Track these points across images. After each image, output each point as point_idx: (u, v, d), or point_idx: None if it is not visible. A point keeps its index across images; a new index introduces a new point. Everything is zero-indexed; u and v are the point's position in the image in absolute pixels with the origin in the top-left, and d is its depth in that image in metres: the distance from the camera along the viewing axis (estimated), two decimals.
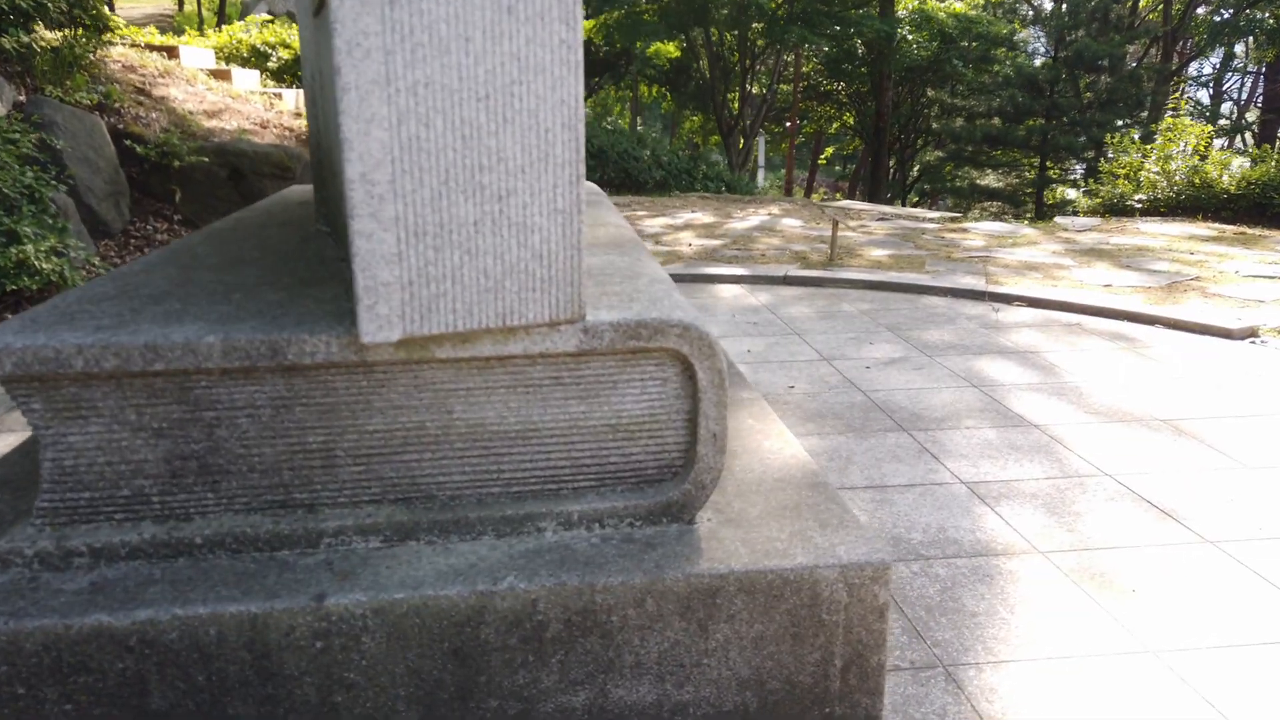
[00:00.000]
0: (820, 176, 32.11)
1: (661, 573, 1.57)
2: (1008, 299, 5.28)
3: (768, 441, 2.12)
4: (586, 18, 23.26)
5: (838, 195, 26.92)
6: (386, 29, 1.34)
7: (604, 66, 24.17)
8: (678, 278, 5.93)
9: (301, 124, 9.24)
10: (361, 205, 1.38)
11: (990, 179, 26.91)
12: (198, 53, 10.49)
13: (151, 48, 9.41)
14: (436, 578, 1.55)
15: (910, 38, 21.30)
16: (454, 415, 1.66)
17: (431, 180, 1.42)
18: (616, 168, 15.76)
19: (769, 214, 10.33)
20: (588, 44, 22.22)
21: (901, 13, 21.56)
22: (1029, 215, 22.13)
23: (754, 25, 19.79)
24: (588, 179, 15.27)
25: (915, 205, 25.53)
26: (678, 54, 23.10)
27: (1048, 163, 23.82)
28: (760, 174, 17.65)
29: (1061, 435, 3.24)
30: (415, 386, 1.63)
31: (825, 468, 2.94)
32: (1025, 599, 2.21)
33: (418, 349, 1.56)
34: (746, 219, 9.71)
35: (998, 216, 24.43)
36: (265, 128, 8.48)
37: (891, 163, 24.70)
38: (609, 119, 30.31)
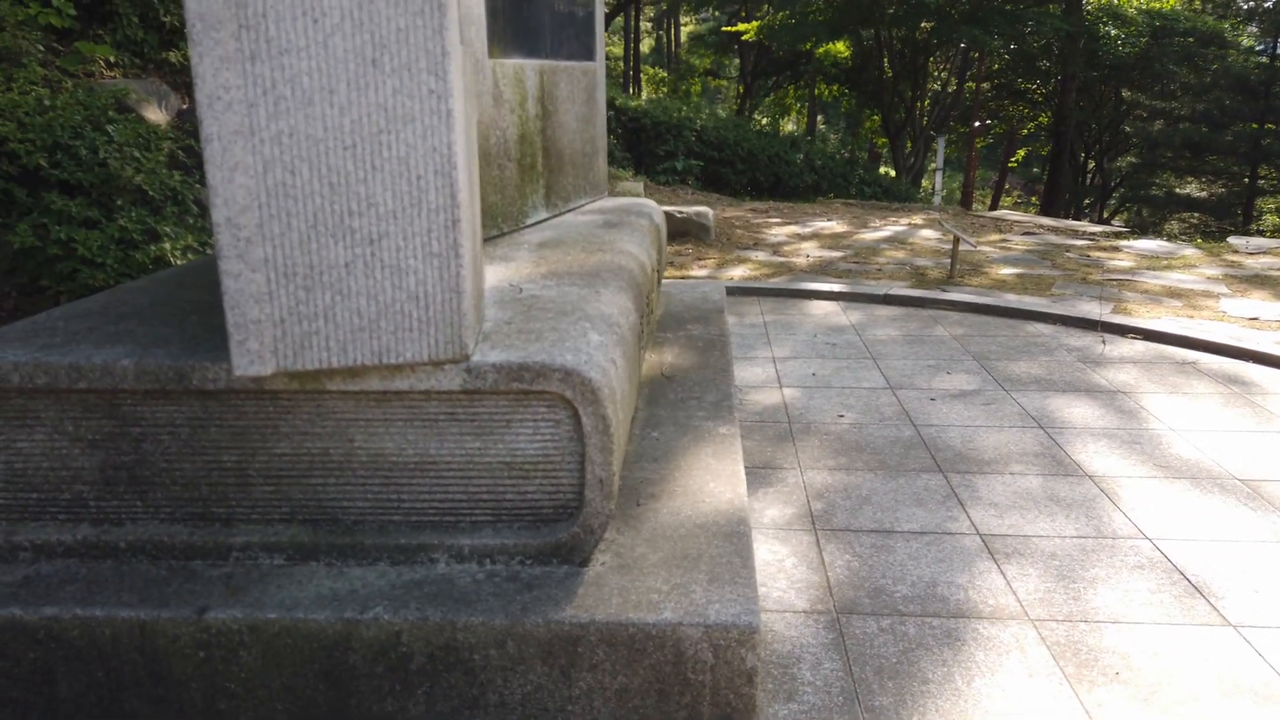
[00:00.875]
0: (1015, 178, 30.49)
1: (524, 616, 1.58)
2: (1121, 330, 4.87)
3: (713, 483, 2.07)
4: (746, 19, 23.13)
5: (1024, 204, 25.49)
6: (248, 83, 1.41)
7: (782, 65, 23.90)
8: (773, 293, 5.83)
9: None
10: (228, 248, 1.47)
11: (1192, 188, 24.80)
12: None
13: None
14: (313, 601, 1.62)
15: (1114, 33, 19.90)
16: (355, 444, 1.73)
17: (300, 224, 1.49)
18: (767, 171, 15.61)
19: (908, 224, 9.95)
20: (760, 44, 22.04)
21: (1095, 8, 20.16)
22: (1233, 229, 20.25)
23: (923, 24, 19.07)
24: (738, 181, 15.18)
25: (1109, 215, 23.83)
26: (848, 54, 22.56)
27: (1259, 171, 21.71)
28: (938, 177, 16.92)
29: (1114, 489, 2.97)
30: (318, 414, 1.71)
31: (836, 507, 2.83)
32: (989, 671, 2.05)
33: (310, 380, 1.63)
34: (881, 229, 9.40)
35: (1197, 229, 22.47)
36: None
37: (1089, 167, 23.16)
38: (787, 119, 29.95)
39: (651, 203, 3.75)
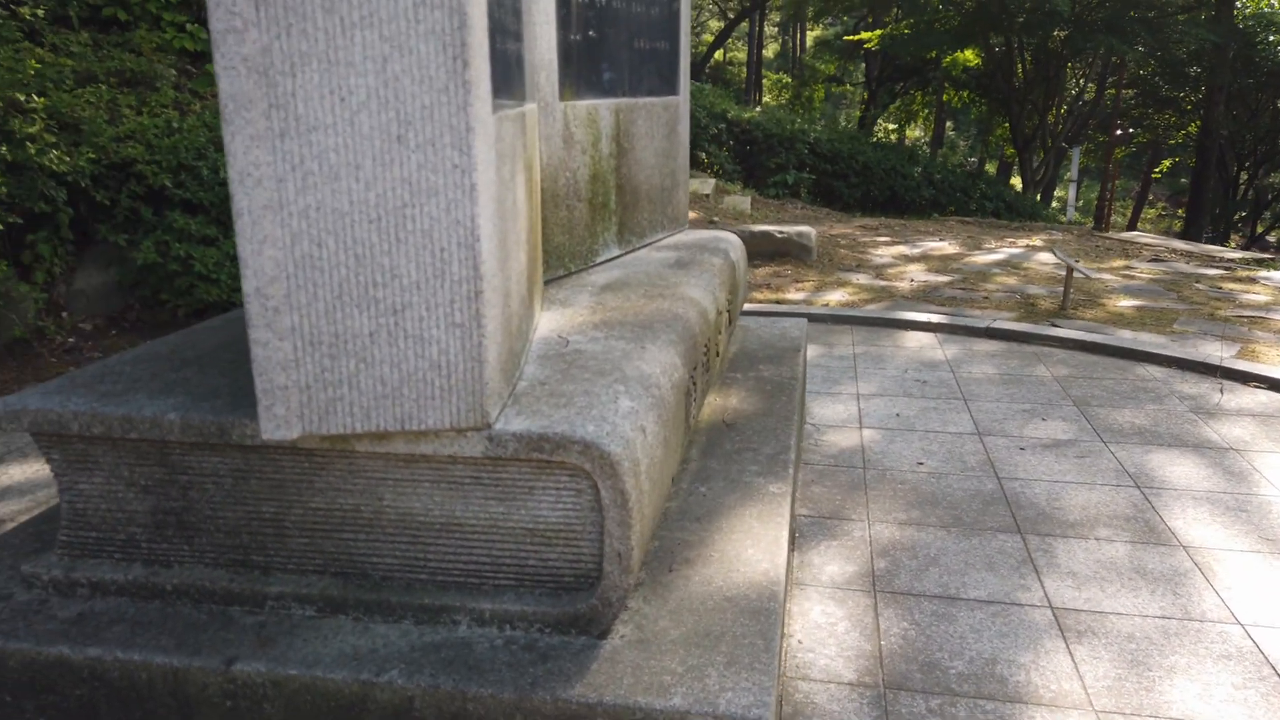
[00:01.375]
0: (1160, 189, 28.87)
1: (533, 691, 1.57)
2: (1244, 377, 4.53)
3: (752, 550, 2.02)
4: (870, 28, 22.63)
5: (1169, 217, 24.08)
6: (277, 159, 1.45)
7: (908, 71, 23.32)
8: (868, 321, 5.67)
9: None
10: (257, 317, 1.51)
11: None
12: None
13: None
14: (334, 659, 1.65)
15: (1272, 39, 18.62)
16: (384, 502, 1.76)
17: (326, 295, 1.52)
18: (882, 185, 15.25)
19: (1026, 246, 9.54)
20: (883, 53, 21.55)
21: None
22: None
23: (1057, 33, 18.25)
24: (852, 195, 14.89)
25: (1263, 231, 22.27)
26: (977, 61, 21.81)
27: None
28: (1072, 190, 16.14)
29: (1209, 563, 2.76)
30: (349, 472, 1.74)
31: (900, 567, 2.72)
32: None
33: (339, 441, 1.67)
34: (996, 251, 9.04)
35: None
36: None
37: (1241, 181, 21.70)
38: (914, 125, 29.17)
39: (731, 237, 3.70)
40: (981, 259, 8.53)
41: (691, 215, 8.68)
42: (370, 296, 1.53)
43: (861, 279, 7.38)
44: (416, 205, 1.49)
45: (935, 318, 5.64)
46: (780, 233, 7.92)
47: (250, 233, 1.47)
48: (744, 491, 2.32)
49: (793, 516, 2.69)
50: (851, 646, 2.35)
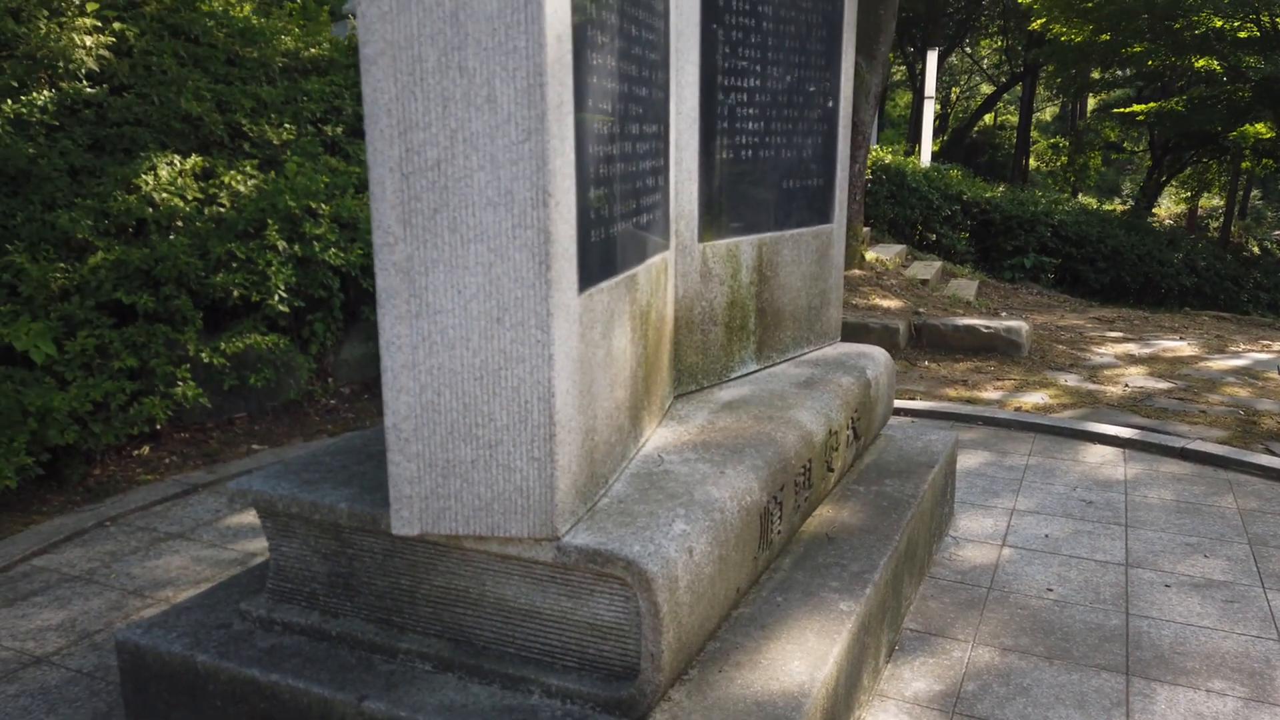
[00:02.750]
0: None
1: None
2: None
3: (798, 663, 2.31)
4: (1140, 100, 21.33)
5: None
6: (413, 333, 1.99)
7: (1200, 139, 21.73)
8: (1052, 430, 5.58)
9: None
10: (393, 445, 2.05)
11: None
12: None
13: None
14: (434, 708, 2.13)
15: None
16: (485, 587, 2.24)
17: (441, 431, 2.03)
18: (1135, 271, 14.39)
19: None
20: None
21: None
22: None
23: None
24: (1099, 281, 14.13)
25: None
26: (1270, 135, 19.95)
27: None
28: None
29: None
30: (462, 561, 2.24)
31: (987, 692, 2.83)
32: None
33: (452, 538, 2.17)
34: (1240, 356, 8.40)
35: None
36: None
37: None
38: (1209, 195, 26.93)
39: (876, 353, 3.95)
40: (1219, 364, 7.98)
41: (895, 304, 8.77)
42: (473, 434, 2.02)
43: (1070, 380, 7.18)
44: (508, 369, 1.98)
45: (1127, 432, 5.47)
46: (987, 327, 7.85)
47: (391, 384, 2.02)
48: (814, 605, 2.60)
49: (890, 630, 2.90)
50: None
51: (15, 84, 5.23)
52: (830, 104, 3.77)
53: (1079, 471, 4.92)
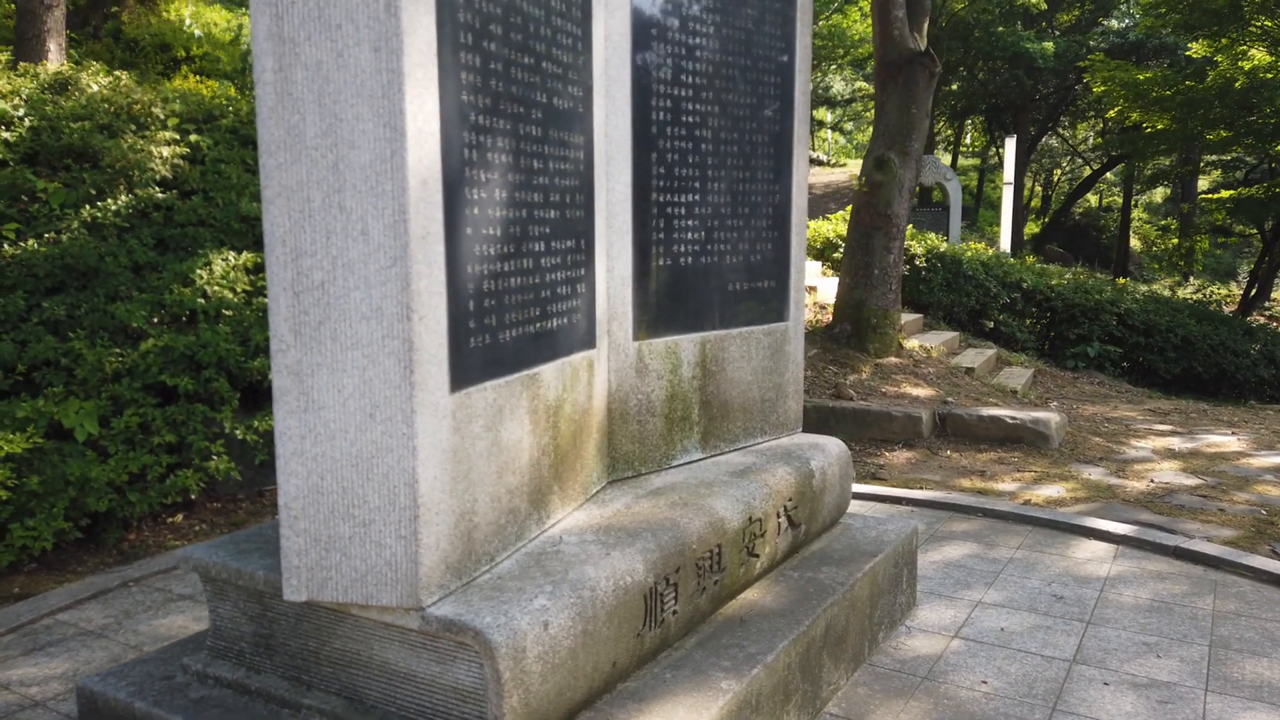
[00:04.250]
0: None
1: None
2: None
3: None
4: (1231, 186, 20.79)
5: None
6: (301, 425, 2.33)
7: None
8: (1051, 524, 5.56)
9: (818, 316, 10.47)
10: (284, 522, 2.38)
11: None
12: None
13: None
14: None
15: None
16: (374, 651, 2.52)
17: (324, 510, 2.36)
18: (1208, 362, 13.97)
19: None
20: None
21: None
22: None
23: None
24: (1169, 371, 13.75)
25: None
26: None
27: None
28: None
29: None
30: (355, 627, 2.54)
31: None
32: None
33: (341, 605, 2.47)
34: None
35: None
36: None
37: None
38: None
39: (828, 443, 4.13)
40: (1261, 461, 7.75)
41: (926, 393, 8.82)
42: (350, 514, 2.34)
43: (1093, 474, 7.10)
44: (379, 458, 2.30)
45: (1122, 528, 5.43)
46: (1013, 418, 7.84)
47: (283, 468, 2.36)
48: (698, 682, 2.79)
49: (801, 712, 3.04)
50: None
51: (94, 191, 5.95)
52: (779, 213, 4.06)
53: (1061, 567, 4.93)
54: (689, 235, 3.69)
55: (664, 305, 3.62)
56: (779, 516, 3.61)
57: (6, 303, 5.14)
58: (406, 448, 2.27)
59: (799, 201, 4.16)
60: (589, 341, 3.22)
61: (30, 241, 5.47)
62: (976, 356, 11.35)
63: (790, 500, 3.69)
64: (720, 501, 3.29)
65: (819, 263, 13.01)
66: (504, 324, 2.63)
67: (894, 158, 9.15)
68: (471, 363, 2.47)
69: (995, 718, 3.35)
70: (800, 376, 4.32)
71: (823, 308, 10.68)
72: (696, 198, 3.69)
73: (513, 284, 2.66)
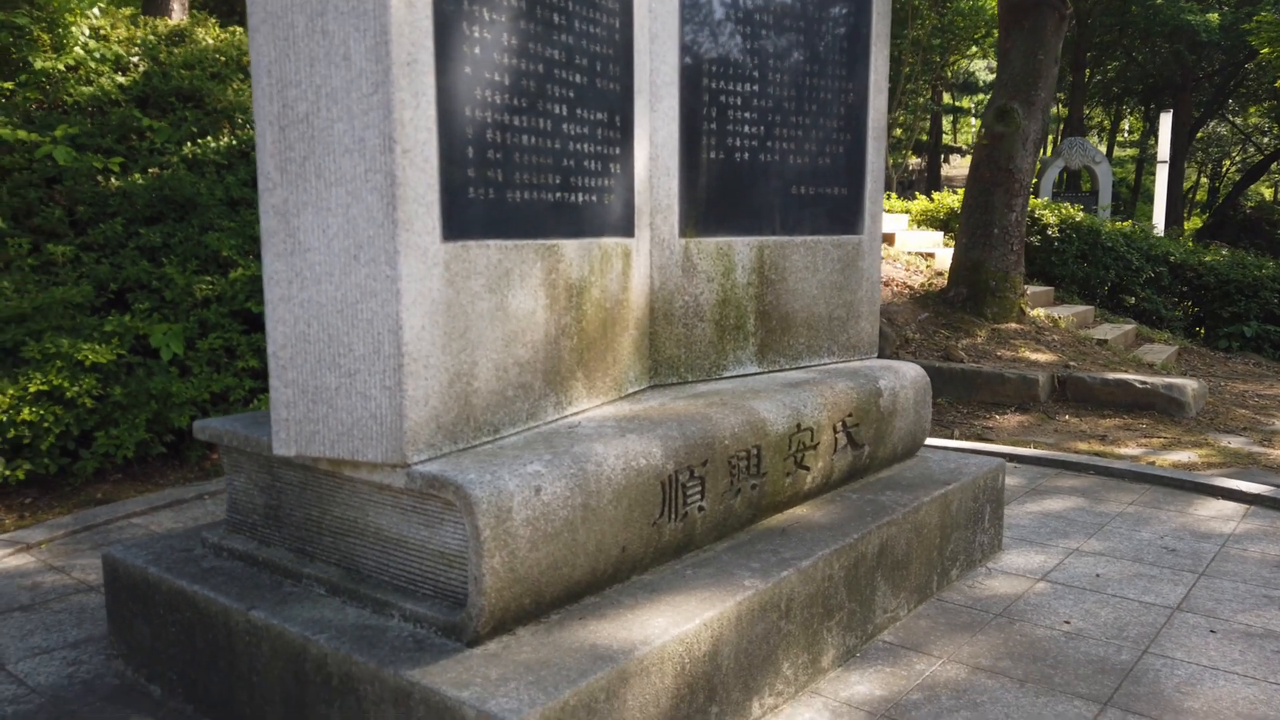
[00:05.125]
0: None
1: (382, 667, 2.07)
2: None
3: (660, 620, 2.30)
4: None
5: None
6: (288, 269, 2.24)
7: None
8: (1172, 483, 4.99)
9: (932, 280, 9.93)
10: (273, 372, 2.29)
11: None
12: (896, 218, 12.00)
13: None
14: (302, 621, 2.30)
15: None
16: (369, 517, 2.41)
17: (311, 359, 2.25)
18: None
19: None
20: None
21: None
22: None
23: None
24: None
25: None
26: None
27: None
28: None
29: None
30: (351, 494, 2.43)
31: (932, 703, 2.57)
32: None
33: (342, 466, 2.37)
34: None
35: None
36: (885, 285, 9.42)
37: None
38: None
39: (904, 367, 3.80)
40: None
41: (1046, 358, 8.18)
42: (336, 363, 2.23)
43: (1232, 443, 6.41)
44: (364, 303, 2.18)
45: (1257, 488, 4.82)
46: (1142, 383, 7.17)
47: (271, 314, 2.27)
48: (721, 580, 2.56)
49: (844, 631, 2.77)
50: None
51: (195, 130, 6.16)
52: (853, 114, 3.76)
53: (1178, 522, 4.41)
54: (745, 128, 3.44)
55: (716, 203, 3.39)
56: (836, 431, 3.32)
57: (107, 228, 5.36)
58: (390, 291, 2.14)
59: (877, 104, 3.84)
60: (624, 229, 3.02)
61: (135, 175, 5.70)
62: (1112, 330, 10.52)
63: (850, 416, 3.39)
64: (764, 404, 3.04)
65: (940, 233, 12.37)
66: (513, 183, 2.47)
67: (1017, 108, 8.54)
68: (471, 214, 2.32)
69: (1073, 656, 2.97)
70: (876, 298, 4.00)
71: (939, 274, 10.12)
72: (755, 87, 3.44)
73: (524, 142, 2.50)
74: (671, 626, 2.27)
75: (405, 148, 2.12)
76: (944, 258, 10.82)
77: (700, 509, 2.73)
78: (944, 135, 35.16)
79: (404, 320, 2.15)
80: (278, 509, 2.66)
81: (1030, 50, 8.53)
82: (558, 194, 2.66)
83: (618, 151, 2.96)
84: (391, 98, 2.08)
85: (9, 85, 5.71)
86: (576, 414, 2.80)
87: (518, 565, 2.17)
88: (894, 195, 15.22)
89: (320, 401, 2.27)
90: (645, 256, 3.19)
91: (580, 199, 2.76)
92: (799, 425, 3.12)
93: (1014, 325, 8.84)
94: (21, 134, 5.33)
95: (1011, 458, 5.54)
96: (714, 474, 2.77)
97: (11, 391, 4.24)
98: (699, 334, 3.39)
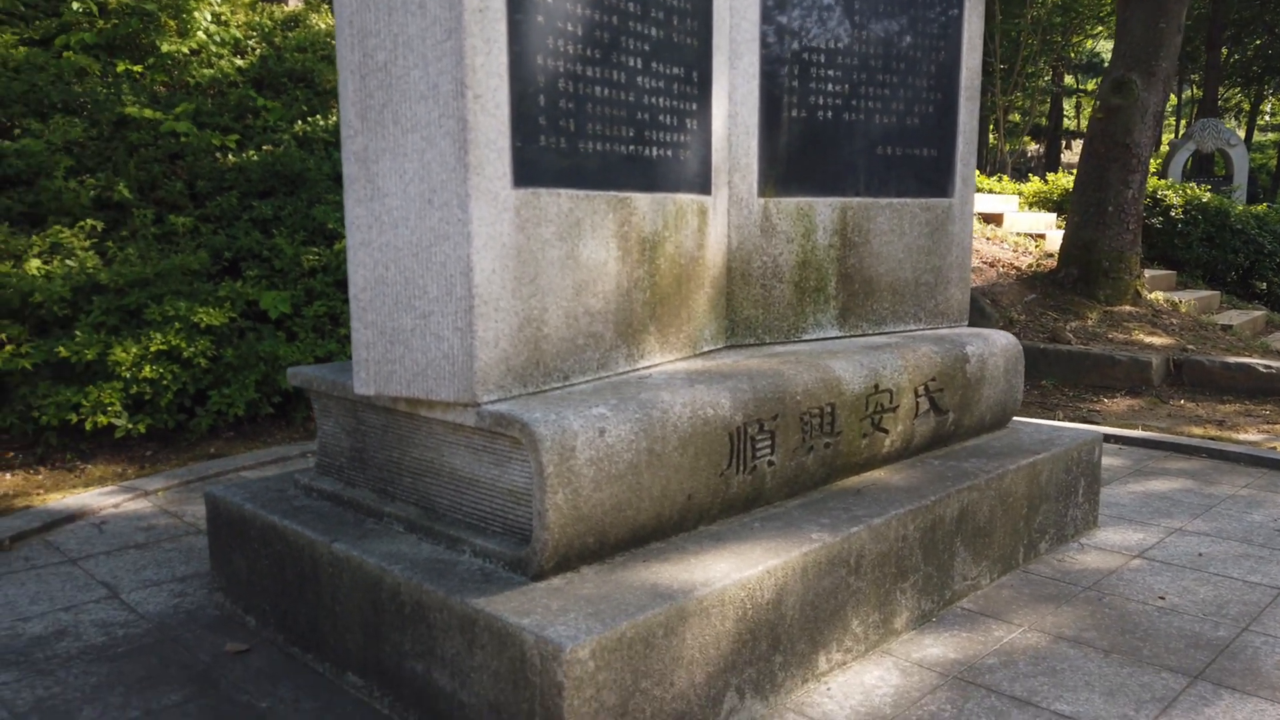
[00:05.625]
0: None
1: (450, 595, 2.14)
2: None
3: (722, 565, 2.31)
4: None
5: None
6: (368, 214, 2.33)
7: None
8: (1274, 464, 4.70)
9: (1041, 262, 9.56)
10: (354, 314, 2.39)
11: None
12: (1005, 199, 11.61)
13: None
14: (379, 554, 2.40)
15: None
16: (444, 458, 2.50)
17: (388, 302, 2.34)
18: None
19: None
20: None
21: None
22: None
23: None
24: None
25: None
26: None
27: None
28: None
29: None
30: (429, 435, 2.52)
31: (1007, 667, 2.48)
32: None
33: (418, 406, 2.46)
34: None
35: None
36: (991, 266, 9.12)
37: None
38: None
39: (994, 334, 3.69)
40: None
41: (1162, 341, 7.77)
42: (412, 305, 2.31)
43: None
44: (437, 245, 2.25)
45: None
46: (1267, 367, 6.75)
47: (352, 259, 2.37)
48: (788, 533, 2.55)
49: (918, 594, 2.73)
50: (869, 707, 2.39)
51: (305, 109, 6.44)
52: (944, 73, 3.66)
53: None
54: (829, 86, 3.39)
55: (796, 162, 3.36)
56: (917, 395, 3.25)
57: (223, 201, 5.66)
58: (462, 234, 2.21)
59: (970, 62, 3.73)
60: (701, 186, 3.03)
61: (249, 152, 6.00)
62: (1238, 316, 9.92)
63: (934, 381, 3.32)
64: (839, 363, 3.00)
65: (1053, 214, 11.88)
66: (584, 133, 2.51)
67: (1136, 79, 8.13)
68: (542, 162, 2.37)
69: (1165, 630, 2.84)
70: (967, 264, 3.89)
71: (1049, 255, 9.73)
72: (840, 44, 3.39)
73: (597, 93, 2.53)
74: (734, 572, 2.28)
75: (476, 93, 2.17)
76: (1055, 239, 10.40)
77: (770, 463, 2.72)
78: (1065, 119, 33.71)
79: (475, 263, 2.21)
80: (362, 451, 2.78)
81: (1151, 18, 8.10)
82: (631, 147, 2.68)
83: (694, 107, 2.96)
84: (463, 44, 2.14)
85: (138, 68, 6.08)
86: (648, 367, 2.83)
87: (581, 503, 2.22)
88: (1005, 177, 14.69)
89: (397, 342, 2.36)
90: (722, 215, 3.19)
91: (655, 153, 2.78)
92: (877, 386, 3.07)
93: (1128, 308, 8.44)
94: (149, 113, 5.68)
95: (1115, 439, 5.31)
96: (785, 429, 2.75)
97: (135, 350, 4.53)
98: (777, 295, 3.37)
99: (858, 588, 2.62)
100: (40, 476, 4.39)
